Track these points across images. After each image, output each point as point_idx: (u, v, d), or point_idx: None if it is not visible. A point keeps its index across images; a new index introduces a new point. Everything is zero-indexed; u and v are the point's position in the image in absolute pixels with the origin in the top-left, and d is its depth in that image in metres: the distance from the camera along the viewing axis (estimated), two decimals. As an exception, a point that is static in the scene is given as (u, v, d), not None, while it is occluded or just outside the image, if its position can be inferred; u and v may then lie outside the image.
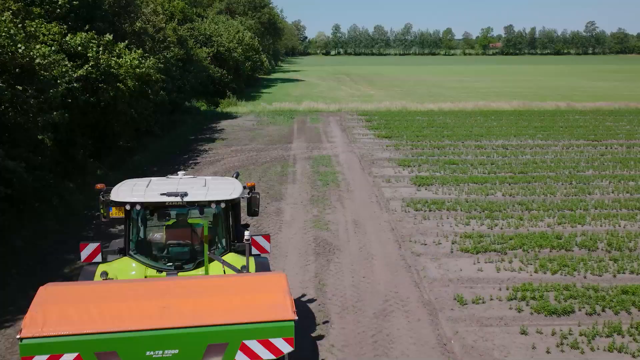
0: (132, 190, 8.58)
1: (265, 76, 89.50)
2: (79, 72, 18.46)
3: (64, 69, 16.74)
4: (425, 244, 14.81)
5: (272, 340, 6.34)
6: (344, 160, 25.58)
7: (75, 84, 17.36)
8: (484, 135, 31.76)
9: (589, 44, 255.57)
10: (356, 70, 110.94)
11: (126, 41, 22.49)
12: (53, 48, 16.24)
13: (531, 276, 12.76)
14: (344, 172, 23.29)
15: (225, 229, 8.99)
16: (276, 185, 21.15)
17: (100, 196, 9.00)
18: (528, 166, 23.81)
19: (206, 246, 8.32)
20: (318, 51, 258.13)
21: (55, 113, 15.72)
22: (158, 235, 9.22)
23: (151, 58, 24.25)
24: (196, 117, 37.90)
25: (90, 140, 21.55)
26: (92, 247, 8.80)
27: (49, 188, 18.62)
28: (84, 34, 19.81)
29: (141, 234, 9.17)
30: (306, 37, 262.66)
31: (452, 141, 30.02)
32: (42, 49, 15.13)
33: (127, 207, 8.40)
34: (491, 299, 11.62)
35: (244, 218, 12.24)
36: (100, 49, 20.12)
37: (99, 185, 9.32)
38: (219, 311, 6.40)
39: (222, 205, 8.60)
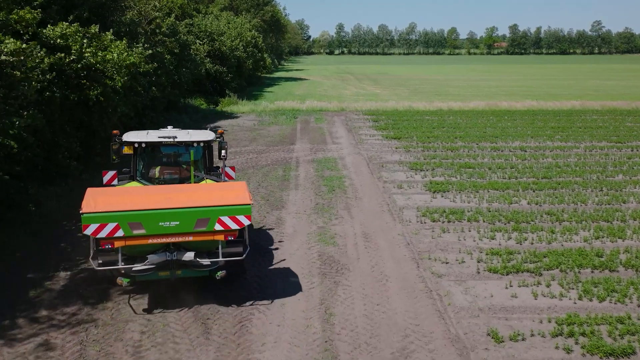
0: (137, 135, 12.37)
1: (267, 75, 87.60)
2: (47, 60, 16.37)
3: (37, 60, 14.87)
4: (447, 263, 12.90)
5: (237, 217, 9.92)
6: (351, 163, 23.68)
7: (48, 76, 15.43)
8: (499, 136, 29.81)
9: (595, 43, 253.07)
10: (360, 69, 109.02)
11: (111, 30, 20.51)
12: (19, 43, 14.23)
13: (575, 304, 10.84)
14: (351, 176, 21.39)
15: (203, 163, 12.81)
16: (277, 191, 19.25)
17: (115, 139, 12.25)
18: (551, 170, 21.86)
19: (192, 168, 12.17)
20: (322, 50, 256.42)
21: (26, 113, 13.82)
22: (157, 170, 12.45)
23: (139, 47, 22.31)
24: (194, 116, 36.02)
25: (76, 142, 19.72)
26: (110, 174, 12.56)
27: (26, 195, 16.81)
28: (65, 25, 17.91)
29: (144, 167, 12.46)
30: (310, 37, 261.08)
31: (465, 142, 28.07)
32: (10, 45, 13.18)
33: (136, 145, 12.02)
34: (532, 335, 9.70)
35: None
36: (85, 41, 18.22)
37: (114, 131, 12.55)
38: (204, 199, 10.02)
39: (202, 144, 12.32)
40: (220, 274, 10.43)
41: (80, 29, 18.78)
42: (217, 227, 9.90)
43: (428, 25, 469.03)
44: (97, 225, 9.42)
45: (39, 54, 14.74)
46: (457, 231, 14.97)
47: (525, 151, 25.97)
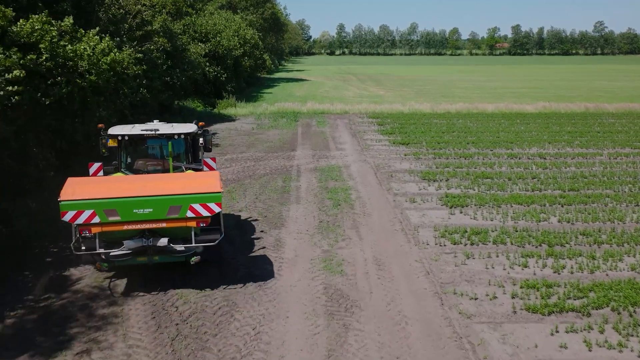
0: (122, 128, 12.77)
1: (267, 75, 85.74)
2: (17, 60, 14.47)
3: (7, 63, 12.97)
4: (476, 299, 10.91)
5: (208, 204, 10.51)
6: (357, 172, 21.70)
7: (10, 76, 13.50)
8: (514, 141, 27.85)
9: (598, 44, 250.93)
10: (362, 70, 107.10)
11: (97, 28, 18.52)
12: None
13: (640, 358, 8.88)
14: (357, 187, 19.41)
15: (185, 154, 12.97)
16: (276, 205, 17.28)
17: (101, 133, 12.68)
18: (577, 181, 19.89)
19: (170, 159, 12.40)
20: (322, 51, 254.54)
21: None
22: (141, 162, 12.71)
23: (127, 48, 20.37)
24: (189, 119, 33.72)
25: (51, 151, 17.73)
26: (96, 165, 12.53)
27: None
28: (35, 18, 15.91)
29: (128, 159, 12.75)
30: (310, 37, 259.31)
31: (479, 149, 26.12)
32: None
33: (119, 137, 12.31)
34: (595, 405, 7.74)
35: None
36: (54, 34, 16.19)
37: (100, 125, 13.00)
38: (177, 187, 10.65)
39: (182, 136, 12.53)
40: (194, 259, 11.09)
41: (53, 21, 16.75)
42: (189, 214, 10.44)
43: (429, 26, 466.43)
44: (75, 212, 10.00)
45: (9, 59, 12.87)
46: (483, 256, 12.99)
47: (545, 159, 24.00)
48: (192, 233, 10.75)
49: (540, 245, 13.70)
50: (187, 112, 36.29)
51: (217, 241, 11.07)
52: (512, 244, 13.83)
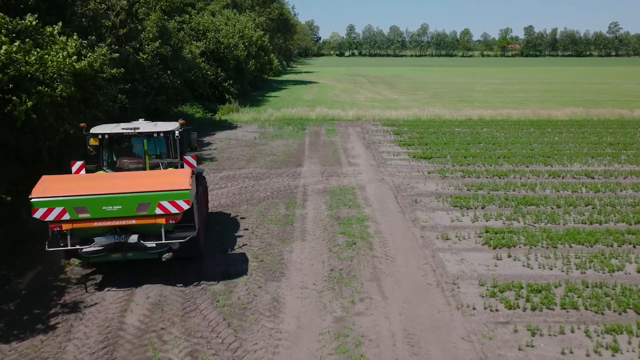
0: (104, 127, 13.09)
1: (274, 78, 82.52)
2: None
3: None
4: (560, 414, 7.50)
5: (176, 201, 10.48)
6: (374, 196, 18.30)
7: None
8: (551, 155, 24.34)
9: (612, 45, 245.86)
10: (373, 72, 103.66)
11: (60, 23, 15.26)
12: None
13: None
14: (375, 217, 16.01)
15: (167, 152, 13.13)
16: (276, 243, 13.91)
17: (83, 132, 12.76)
18: (642, 210, 16.40)
19: (147, 157, 12.73)
20: (332, 52, 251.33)
21: None
22: (125, 160, 13.05)
23: (101, 46, 17.12)
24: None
25: (5, 175, 14.50)
26: (78, 164, 12.49)
27: None
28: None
29: (110, 157, 13.06)
30: (320, 38, 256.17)
31: (513, 165, 22.65)
32: None
33: (100, 136, 12.60)
34: None
35: None
36: (6, 39, 12.97)
37: (82, 124, 13.02)
38: (146, 185, 10.63)
39: (162, 134, 12.68)
40: (166, 256, 11.13)
41: (9, 20, 13.53)
42: (158, 211, 10.44)
43: (440, 27, 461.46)
44: (45, 209, 10.08)
45: None
46: (554, 332, 9.54)
47: (593, 178, 20.50)
48: (162, 230, 10.76)
49: (625, 312, 10.26)
50: (184, 119, 32.97)
51: (188, 238, 11.07)
52: (586, 308, 10.38)
